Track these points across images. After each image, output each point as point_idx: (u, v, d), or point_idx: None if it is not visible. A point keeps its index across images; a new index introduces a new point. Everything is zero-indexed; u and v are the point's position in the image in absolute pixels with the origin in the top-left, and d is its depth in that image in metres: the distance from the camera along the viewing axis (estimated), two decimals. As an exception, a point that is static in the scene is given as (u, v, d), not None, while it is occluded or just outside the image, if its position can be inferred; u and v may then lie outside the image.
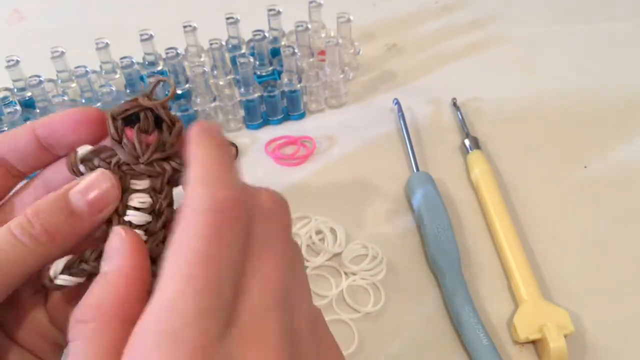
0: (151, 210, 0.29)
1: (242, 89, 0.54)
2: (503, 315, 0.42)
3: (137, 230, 0.28)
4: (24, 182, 0.31)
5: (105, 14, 0.71)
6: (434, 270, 0.45)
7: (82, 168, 0.29)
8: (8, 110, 0.50)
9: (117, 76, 0.56)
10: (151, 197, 0.29)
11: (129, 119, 0.30)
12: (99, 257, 0.28)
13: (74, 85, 0.55)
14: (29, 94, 0.54)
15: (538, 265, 0.45)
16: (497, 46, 0.63)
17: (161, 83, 0.31)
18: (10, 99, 0.54)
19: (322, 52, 0.57)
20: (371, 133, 0.55)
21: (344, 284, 0.45)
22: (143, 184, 0.29)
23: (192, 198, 0.25)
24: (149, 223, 0.29)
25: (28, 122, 0.31)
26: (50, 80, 0.55)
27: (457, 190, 0.50)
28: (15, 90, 0.55)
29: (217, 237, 0.24)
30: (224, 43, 0.56)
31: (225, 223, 0.24)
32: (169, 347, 0.21)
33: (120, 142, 0.30)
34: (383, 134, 0.55)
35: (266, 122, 0.56)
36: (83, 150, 0.30)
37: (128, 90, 0.55)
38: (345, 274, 0.45)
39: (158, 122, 0.30)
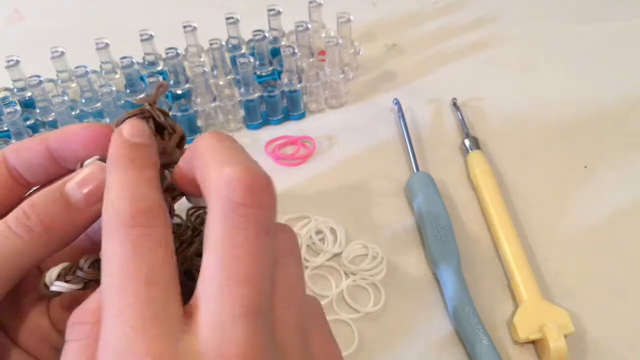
0: None
1: (242, 89, 0.54)
2: (503, 315, 0.42)
3: None
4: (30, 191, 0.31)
5: (105, 14, 0.71)
6: (434, 270, 0.45)
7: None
8: (8, 110, 0.50)
9: (117, 76, 0.56)
10: None
11: None
12: (93, 263, 0.28)
13: (74, 85, 0.55)
14: (29, 94, 0.54)
15: (538, 265, 0.45)
16: (497, 46, 0.63)
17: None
18: (10, 99, 0.54)
19: (322, 52, 0.57)
20: (371, 133, 0.55)
21: (344, 284, 0.45)
22: None
23: (213, 198, 0.24)
24: None
25: (41, 134, 0.31)
26: (50, 80, 0.55)
27: (457, 190, 0.50)
28: (15, 90, 0.55)
29: (240, 247, 0.23)
30: (224, 43, 0.56)
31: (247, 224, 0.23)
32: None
33: None
34: (383, 134, 0.55)
35: (266, 122, 0.56)
36: (90, 161, 0.29)
37: (128, 91, 0.55)
38: (345, 274, 0.45)
39: (160, 129, 0.30)
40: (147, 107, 0.30)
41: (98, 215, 0.28)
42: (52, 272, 0.28)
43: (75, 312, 0.25)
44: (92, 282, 0.29)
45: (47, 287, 0.28)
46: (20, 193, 0.31)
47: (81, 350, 0.23)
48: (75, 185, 0.28)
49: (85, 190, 0.28)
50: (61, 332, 0.30)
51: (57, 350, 0.30)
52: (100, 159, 0.30)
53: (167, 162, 0.29)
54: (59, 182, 0.28)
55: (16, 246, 0.27)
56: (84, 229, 0.29)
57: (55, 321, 0.30)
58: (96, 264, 0.28)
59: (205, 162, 0.25)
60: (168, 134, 0.30)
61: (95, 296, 0.25)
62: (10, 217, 0.27)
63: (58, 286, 0.28)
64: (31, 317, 0.30)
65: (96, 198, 0.28)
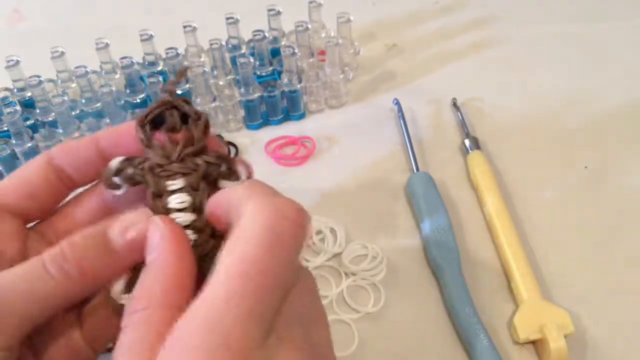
0: (193, 209, 0.29)
1: (242, 89, 0.54)
2: (503, 315, 0.42)
3: (187, 230, 0.28)
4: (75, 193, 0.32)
5: (105, 14, 0.71)
6: (434, 270, 0.45)
7: (117, 180, 0.29)
8: (8, 110, 0.50)
9: (117, 76, 0.56)
10: (189, 194, 0.29)
11: (157, 121, 0.30)
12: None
13: (74, 85, 0.55)
14: (29, 94, 0.54)
15: (538, 265, 0.45)
16: (497, 46, 0.63)
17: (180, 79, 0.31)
18: (10, 99, 0.54)
19: (322, 52, 0.57)
20: (371, 133, 0.55)
21: (344, 284, 0.45)
22: (179, 183, 0.29)
23: (250, 215, 0.25)
24: (194, 221, 0.29)
25: (93, 134, 0.31)
26: (50, 80, 0.55)
27: (457, 190, 0.50)
28: (15, 90, 0.55)
29: (269, 250, 0.24)
30: (224, 43, 0.56)
31: (279, 238, 0.24)
32: (213, 345, 0.22)
33: (150, 145, 0.30)
34: (383, 134, 0.55)
35: (266, 122, 0.56)
36: (116, 162, 0.30)
37: (128, 91, 0.55)
38: (345, 274, 0.45)
39: (184, 119, 0.30)
40: (167, 97, 0.30)
41: (137, 261, 0.28)
42: (117, 288, 0.28)
43: (131, 301, 0.26)
44: None
45: (115, 302, 0.28)
46: (64, 194, 0.31)
47: (135, 335, 0.24)
48: (118, 232, 0.27)
49: (128, 237, 0.27)
50: (90, 342, 0.30)
51: None
52: (124, 158, 0.30)
53: (197, 149, 0.30)
54: (102, 226, 0.27)
55: (48, 288, 0.26)
56: (121, 274, 0.28)
57: (87, 334, 0.30)
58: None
59: (250, 195, 0.26)
60: (193, 122, 0.30)
61: (142, 280, 0.26)
62: (48, 256, 0.26)
63: (127, 299, 0.27)
64: (61, 330, 0.29)
65: (137, 246, 0.27)
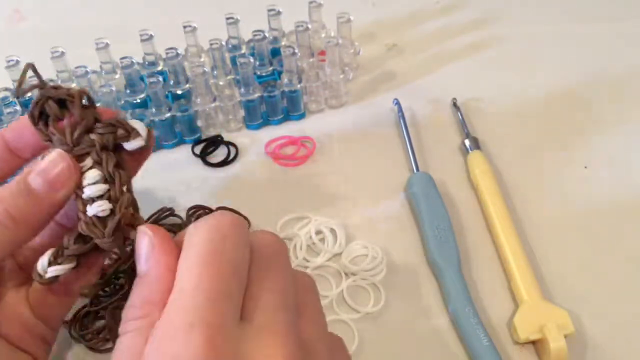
0: (104, 180, 0.30)
1: (242, 89, 0.54)
2: (503, 315, 0.42)
3: (100, 201, 0.30)
4: None
5: (105, 14, 0.71)
6: (434, 270, 0.45)
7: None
8: (8, 110, 0.50)
9: (117, 76, 0.56)
10: (98, 169, 0.30)
11: (45, 115, 0.31)
12: (76, 239, 0.30)
13: (74, 85, 0.55)
14: (29, 94, 0.54)
15: (538, 265, 0.45)
16: (497, 46, 0.63)
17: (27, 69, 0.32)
18: (10, 99, 0.54)
19: (322, 52, 0.57)
20: (371, 133, 0.55)
21: (344, 284, 0.45)
22: (88, 162, 0.31)
23: (193, 226, 0.28)
24: (108, 191, 0.30)
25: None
26: (50, 80, 0.55)
27: (457, 190, 0.50)
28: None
29: (219, 241, 0.26)
30: (224, 43, 0.56)
31: (225, 231, 0.27)
32: (191, 322, 0.24)
33: (50, 139, 0.31)
34: (383, 134, 0.55)
35: (266, 122, 0.56)
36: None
37: (128, 91, 0.55)
38: (345, 274, 0.45)
39: (62, 103, 0.31)
40: (40, 91, 0.31)
41: (63, 202, 0.30)
42: (43, 261, 0.30)
43: (126, 309, 0.27)
44: (82, 257, 0.30)
45: (41, 276, 0.29)
46: None
47: (137, 340, 0.25)
48: (36, 175, 0.29)
49: (47, 178, 0.29)
50: (43, 319, 0.32)
51: (40, 337, 0.32)
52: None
53: (85, 127, 0.31)
54: (22, 174, 0.30)
55: None
56: (50, 216, 0.30)
57: (35, 307, 0.32)
58: (79, 239, 0.30)
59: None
60: (70, 103, 0.31)
61: (138, 289, 0.27)
62: None
63: (53, 271, 0.30)
64: (12, 307, 0.31)
65: (57, 186, 0.29)
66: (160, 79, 0.53)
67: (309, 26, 0.56)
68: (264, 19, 0.58)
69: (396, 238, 0.47)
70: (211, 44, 0.55)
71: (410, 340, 0.42)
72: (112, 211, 0.29)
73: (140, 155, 0.32)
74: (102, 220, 0.29)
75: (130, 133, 0.31)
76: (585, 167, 0.51)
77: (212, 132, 0.56)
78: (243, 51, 0.58)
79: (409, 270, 0.45)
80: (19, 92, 0.32)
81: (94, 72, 0.55)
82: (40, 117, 0.31)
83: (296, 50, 0.54)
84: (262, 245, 0.28)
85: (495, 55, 0.62)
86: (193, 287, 0.25)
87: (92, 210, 0.29)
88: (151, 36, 0.56)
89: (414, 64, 0.62)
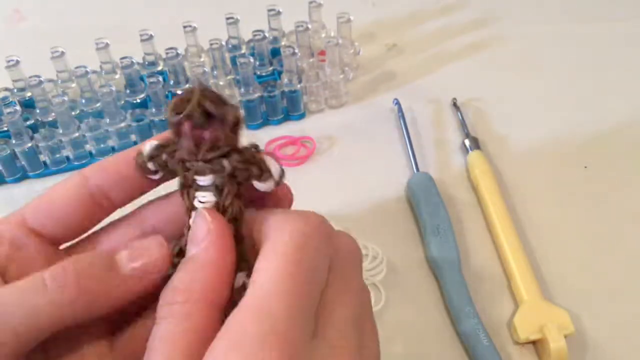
0: (216, 208, 0.28)
1: (242, 89, 0.54)
2: (503, 315, 0.42)
3: None
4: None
5: (105, 14, 0.71)
6: (434, 270, 0.45)
7: (150, 165, 0.29)
8: (8, 110, 0.50)
9: (117, 76, 0.56)
10: (214, 194, 0.28)
11: (187, 114, 0.28)
12: (180, 251, 0.28)
13: (74, 85, 0.55)
14: (29, 94, 0.54)
15: (538, 265, 0.45)
16: (497, 46, 0.63)
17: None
18: (10, 99, 0.54)
19: (322, 52, 0.57)
20: (371, 133, 0.55)
21: (344, 284, 0.44)
22: (207, 179, 0.28)
23: (281, 223, 0.26)
24: None
25: (129, 149, 0.30)
26: (50, 80, 0.55)
27: (457, 190, 0.50)
28: (15, 90, 0.55)
29: (306, 251, 0.25)
30: (224, 43, 0.56)
31: (313, 240, 0.26)
32: (264, 333, 0.22)
33: (179, 134, 0.28)
34: (383, 134, 0.55)
35: (266, 122, 0.56)
36: (149, 147, 0.29)
37: (128, 91, 0.55)
38: (345, 274, 0.45)
39: (212, 115, 0.28)
40: (197, 92, 0.28)
41: (139, 292, 0.27)
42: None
43: (165, 291, 0.25)
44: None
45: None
46: (99, 215, 0.29)
47: (171, 327, 0.24)
48: (126, 256, 0.27)
49: (135, 265, 0.26)
50: None
51: None
52: (158, 144, 0.29)
53: (223, 152, 0.28)
54: (111, 250, 0.27)
55: (41, 301, 0.25)
56: (121, 303, 0.27)
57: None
58: (182, 253, 0.28)
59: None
60: (219, 122, 0.28)
61: (182, 273, 0.26)
62: (49, 270, 0.25)
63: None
64: None
65: (146, 273, 0.27)
66: (160, 79, 0.53)
67: (309, 26, 0.56)
68: (264, 19, 0.58)
69: (396, 238, 0.47)
70: (211, 44, 0.55)
71: (410, 340, 0.42)
72: None
73: (265, 194, 0.29)
74: None
75: (263, 173, 0.28)
76: (585, 167, 0.51)
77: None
78: (243, 51, 0.58)
79: (409, 270, 0.45)
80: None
81: (94, 72, 0.55)
82: (178, 111, 0.27)
83: (296, 50, 0.54)
84: (343, 251, 0.27)
85: (495, 55, 0.62)
86: (272, 296, 0.23)
87: None
88: (151, 36, 0.56)
89: (414, 64, 0.62)
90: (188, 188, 0.29)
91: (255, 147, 0.30)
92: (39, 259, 0.28)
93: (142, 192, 0.30)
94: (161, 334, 0.24)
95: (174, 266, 0.27)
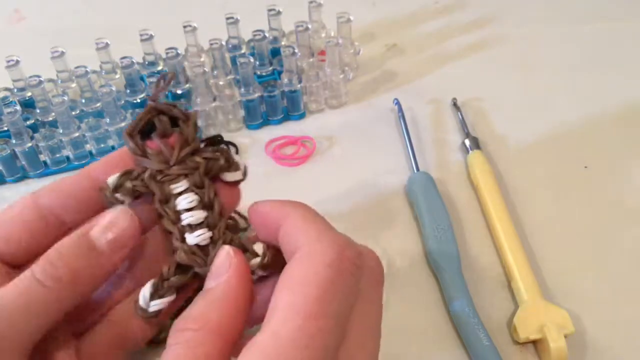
0: (203, 206, 0.29)
1: (242, 89, 0.54)
2: (503, 315, 0.42)
3: (201, 230, 0.29)
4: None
5: (105, 14, 0.71)
6: (434, 270, 0.45)
7: (118, 196, 0.29)
8: (8, 110, 0.50)
9: (117, 76, 0.56)
10: (196, 193, 0.29)
11: (145, 130, 0.30)
12: (175, 270, 0.29)
13: (74, 85, 0.55)
14: (29, 94, 0.54)
15: (538, 265, 0.45)
16: (497, 46, 0.63)
17: (160, 81, 0.31)
18: (10, 99, 0.54)
19: (322, 52, 0.57)
20: (371, 133, 0.55)
21: (344, 284, 0.44)
22: (183, 184, 0.30)
23: (310, 251, 0.26)
24: (206, 218, 0.29)
25: (82, 169, 0.31)
26: (50, 80, 0.55)
27: (457, 190, 0.50)
28: (15, 90, 0.55)
29: (333, 289, 0.24)
30: (224, 43, 0.56)
31: (341, 277, 0.25)
32: None
33: (145, 154, 0.30)
34: (383, 134, 0.55)
35: (266, 122, 0.56)
36: (113, 178, 0.30)
37: (128, 91, 0.55)
38: (345, 274, 0.45)
39: (173, 122, 0.30)
40: (152, 104, 0.30)
41: (121, 262, 0.28)
42: (145, 294, 0.28)
43: (180, 319, 0.26)
44: (180, 288, 0.29)
45: (145, 310, 0.28)
46: (52, 235, 0.30)
47: (182, 352, 0.24)
48: (99, 232, 0.27)
49: (109, 237, 0.27)
50: None
51: None
52: (120, 173, 0.30)
53: (193, 149, 0.30)
54: (83, 228, 0.28)
55: (42, 297, 0.26)
56: (108, 276, 0.28)
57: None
58: (178, 269, 0.29)
59: (308, 226, 0.28)
60: (183, 123, 0.30)
61: (199, 302, 0.26)
62: (37, 268, 0.27)
63: (156, 305, 0.28)
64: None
65: (120, 244, 0.28)
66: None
67: (309, 26, 0.56)
68: (264, 19, 0.58)
69: (396, 238, 0.47)
70: (211, 44, 0.55)
71: (410, 340, 0.42)
72: (211, 238, 0.29)
73: (232, 189, 0.31)
74: (202, 248, 0.29)
75: (232, 165, 0.31)
76: (585, 167, 0.51)
77: (212, 132, 0.56)
78: (243, 51, 0.58)
79: (409, 270, 0.45)
80: (151, 97, 0.31)
81: (94, 72, 0.55)
82: (140, 131, 0.30)
83: (296, 50, 0.54)
84: (368, 272, 0.27)
85: (495, 55, 0.62)
86: (290, 350, 0.22)
87: (193, 239, 0.29)
88: (151, 36, 0.56)
89: (414, 64, 0.62)
90: (166, 202, 0.29)
91: (220, 137, 0.31)
92: None
93: (97, 213, 0.30)
94: (171, 358, 0.24)
95: (170, 287, 0.28)
